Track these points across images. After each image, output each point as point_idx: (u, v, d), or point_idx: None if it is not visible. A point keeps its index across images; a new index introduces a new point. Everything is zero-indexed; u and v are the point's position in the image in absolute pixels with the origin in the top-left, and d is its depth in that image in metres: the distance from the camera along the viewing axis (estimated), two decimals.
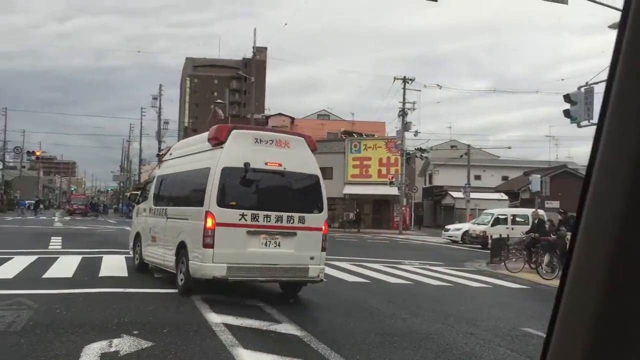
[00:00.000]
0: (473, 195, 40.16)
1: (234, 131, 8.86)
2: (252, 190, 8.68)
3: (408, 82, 39.46)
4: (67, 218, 47.67)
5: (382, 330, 6.65)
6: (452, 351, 5.76)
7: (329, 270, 12.90)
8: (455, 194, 46.79)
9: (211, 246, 8.13)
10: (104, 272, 10.90)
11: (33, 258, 12.87)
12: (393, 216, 41.85)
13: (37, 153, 59.06)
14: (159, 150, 64.93)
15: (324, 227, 9.03)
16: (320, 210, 9.19)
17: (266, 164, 8.68)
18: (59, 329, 5.92)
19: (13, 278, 9.71)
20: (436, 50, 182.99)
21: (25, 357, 4.82)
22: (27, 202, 63.51)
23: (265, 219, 8.46)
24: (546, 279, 12.70)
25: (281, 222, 8.59)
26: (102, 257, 13.59)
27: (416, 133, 39.82)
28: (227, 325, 6.27)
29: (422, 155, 43.69)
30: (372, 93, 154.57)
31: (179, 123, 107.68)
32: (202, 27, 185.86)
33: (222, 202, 8.31)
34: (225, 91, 77.60)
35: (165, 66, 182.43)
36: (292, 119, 56.24)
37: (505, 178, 53.50)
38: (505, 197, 43.35)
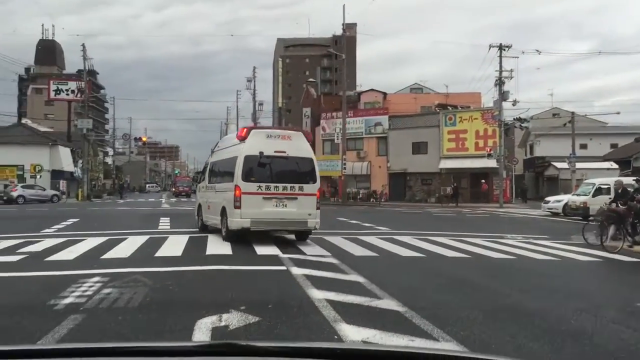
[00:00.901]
0: (579, 165, 38.16)
1: (253, 131, 13.66)
2: (266, 169, 13.18)
3: (504, 50, 37.84)
4: (174, 199, 50.17)
5: (486, 306, 6.51)
6: (560, 328, 5.54)
7: (428, 246, 12.80)
8: (559, 165, 44.66)
9: (239, 207, 12.80)
10: (209, 250, 11.41)
11: (145, 238, 13.70)
12: (492, 189, 40.62)
13: (144, 139, 62.36)
14: None
15: (317, 194, 13.51)
16: (314, 181, 13.54)
17: (275, 151, 13.18)
18: (172, 304, 6.28)
19: (129, 257, 10.38)
20: (534, 15, 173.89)
21: (145, 331, 5.16)
22: (126, 185, 70.38)
23: (275, 188, 13.08)
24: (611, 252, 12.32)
25: (286, 190, 13.18)
26: (207, 236, 14.21)
27: (515, 102, 38.26)
28: (329, 301, 6.39)
29: (522, 125, 41.89)
30: (466, 63, 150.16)
31: (273, 104, 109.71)
32: (290, 7, 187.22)
33: (245, 178, 12.94)
34: (317, 70, 78.16)
35: (257, 48, 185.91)
36: (385, 94, 55.64)
37: (614, 146, 50.35)
38: (615, 165, 40.84)
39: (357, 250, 11.86)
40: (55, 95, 62.90)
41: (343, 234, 15.60)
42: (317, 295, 6.78)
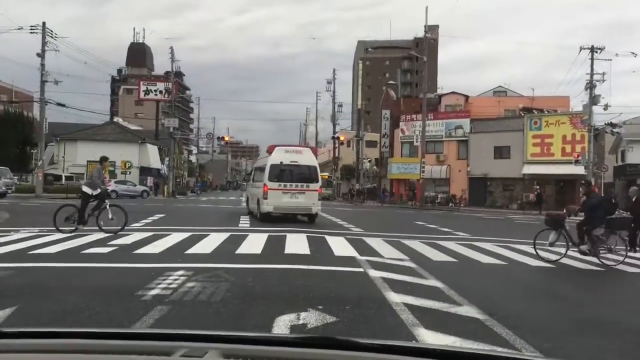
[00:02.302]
0: None
1: (276, 147, 20.18)
2: (284, 173, 19.64)
3: (596, 52, 36.14)
4: None
5: (571, 317, 6.25)
6: None
7: (510, 253, 12.44)
8: None
9: (267, 199, 19.34)
10: (288, 249, 11.58)
11: (226, 235, 14.09)
12: (579, 197, 38.86)
13: (226, 138, 63.84)
14: (334, 133, 67.22)
15: (319, 190, 20.06)
16: (317, 181, 19.87)
17: (290, 161, 19.71)
18: (252, 300, 6.44)
19: (211, 253, 10.72)
20: (629, 15, 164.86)
21: (227, 324, 5.32)
22: (202, 184, 74.28)
23: (290, 185, 19.51)
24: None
25: (298, 187, 19.58)
26: (285, 235, 14.45)
27: (606, 107, 36.45)
28: (407, 305, 6.33)
29: (613, 130, 39.88)
30: (553, 66, 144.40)
31: (352, 105, 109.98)
32: (371, 9, 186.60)
33: (270, 179, 19.45)
34: (397, 72, 77.72)
35: (336, 50, 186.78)
36: (466, 97, 54.53)
37: None
38: None
39: (436, 255, 11.70)
40: (144, 96, 66.05)
41: (421, 238, 15.44)
42: (395, 298, 6.74)
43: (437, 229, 19.55)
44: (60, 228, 13.53)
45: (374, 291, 7.26)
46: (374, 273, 8.69)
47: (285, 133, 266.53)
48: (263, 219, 19.44)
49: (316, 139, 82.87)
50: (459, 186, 47.06)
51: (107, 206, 14.15)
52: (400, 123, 53.85)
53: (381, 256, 11.05)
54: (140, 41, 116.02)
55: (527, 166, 43.05)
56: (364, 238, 14.68)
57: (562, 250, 11.95)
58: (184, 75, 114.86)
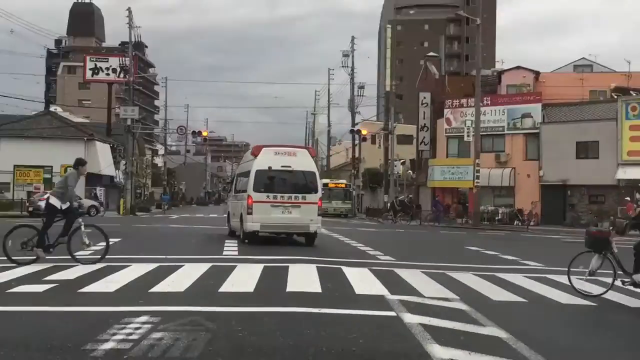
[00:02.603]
0: None
1: (264, 149, 21.78)
2: (274, 181, 21.30)
3: None
4: None
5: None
6: None
7: (601, 291, 12.36)
8: None
9: (251, 214, 20.76)
10: (291, 285, 11.60)
11: (206, 266, 14.12)
12: (630, 205, 38.63)
13: (204, 134, 63.89)
14: (353, 124, 67.35)
15: (318, 202, 21.24)
16: (316, 191, 21.33)
17: (281, 166, 21.16)
18: (243, 357, 6.43)
19: (185, 291, 10.74)
20: None
21: None
22: (168, 197, 77.15)
23: (281, 197, 20.99)
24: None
25: (291, 199, 21.02)
26: (287, 266, 14.47)
27: None
28: None
29: None
30: None
31: (377, 88, 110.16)
32: None
33: (256, 189, 20.95)
34: (440, 40, 77.76)
35: (356, 11, 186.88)
36: (536, 73, 54.47)
37: None
38: None
39: (495, 293, 11.67)
40: (92, 76, 66.48)
41: (474, 270, 15.39)
42: (441, 353, 6.72)
43: (497, 257, 19.48)
44: (14, 258, 13.70)
45: (412, 344, 7.24)
46: (410, 318, 8.67)
47: (285, 126, 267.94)
48: (247, 240, 21.22)
49: (328, 135, 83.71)
50: (527, 197, 46.95)
51: (82, 227, 14.38)
52: (445, 111, 53.90)
53: (420, 294, 11.03)
54: (87, 0, 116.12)
55: (622, 169, 42.85)
56: (396, 269, 14.68)
57: (608, 281, 12.03)
58: (147, 47, 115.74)
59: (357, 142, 66.99)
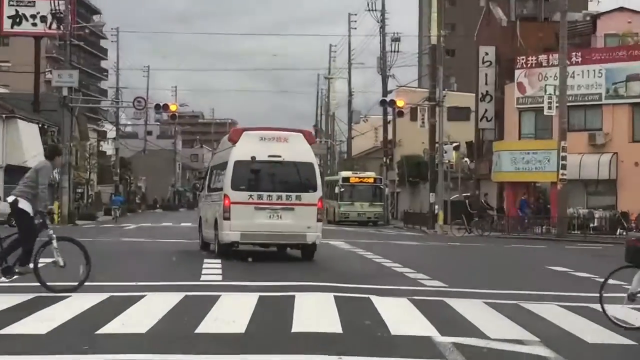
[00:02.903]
0: None
1: (245, 132, 23.21)
2: (258, 176, 22.45)
3: None
4: None
5: None
6: None
7: None
8: None
9: (229, 219, 21.81)
10: (299, 323, 11.57)
11: (177, 297, 14.15)
12: None
13: (172, 108, 62.47)
14: (385, 92, 67.10)
15: (318, 204, 22.43)
16: (315, 189, 22.64)
17: (269, 156, 22.15)
18: None
19: (147, 333, 10.75)
20: None
21: None
22: (120, 198, 76.08)
23: (268, 197, 22.18)
24: None
25: (281, 200, 22.22)
26: (293, 295, 14.46)
27: None
28: None
29: None
30: None
31: (419, 39, 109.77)
32: None
33: (235, 186, 22.04)
34: None
35: None
36: None
37: None
38: None
39: (591, 332, 11.64)
40: (12, 27, 66.44)
41: (559, 298, 15.41)
42: None
43: (591, 281, 19.40)
44: None
45: None
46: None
47: (287, 96, 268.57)
48: (224, 254, 22.76)
49: (349, 108, 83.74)
50: (635, 194, 46.65)
51: (53, 241, 14.59)
52: (517, 73, 53.67)
53: (483, 335, 11.02)
54: None
55: None
56: (448, 299, 14.69)
57: None
58: None
59: (390, 118, 66.86)
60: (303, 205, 22.29)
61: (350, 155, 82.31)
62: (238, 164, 22.19)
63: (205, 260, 21.92)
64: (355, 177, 63.91)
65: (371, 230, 51.85)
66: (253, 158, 22.15)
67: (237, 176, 22.15)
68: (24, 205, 14.44)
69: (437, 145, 61.11)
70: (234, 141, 22.96)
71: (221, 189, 22.80)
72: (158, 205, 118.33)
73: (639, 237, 13.94)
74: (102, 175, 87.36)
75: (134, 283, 16.44)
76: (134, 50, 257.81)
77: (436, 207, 56.01)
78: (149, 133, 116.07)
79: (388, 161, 67.99)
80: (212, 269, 19.64)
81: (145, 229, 44.04)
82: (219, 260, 21.74)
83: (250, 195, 22.10)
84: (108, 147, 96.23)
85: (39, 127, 60.56)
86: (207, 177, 27.51)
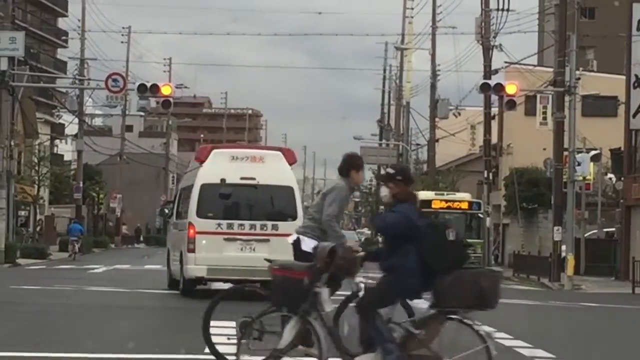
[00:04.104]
0: None
1: (214, 151, 29.08)
2: (228, 202, 28.13)
3: None
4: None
5: None
6: None
7: None
8: None
9: (193, 251, 27.22)
10: None
11: None
12: None
13: (165, 90, 62.14)
14: (487, 72, 66.79)
15: None
16: (294, 218, 26.39)
17: (241, 178, 27.18)
18: None
19: None
20: None
21: None
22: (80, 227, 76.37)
23: (240, 227, 27.41)
24: None
25: (255, 230, 27.44)
26: None
27: None
28: None
29: None
30: None
31: None
32: None
33: (201, 213, 27.73)
34: None
35: None
36: None
37: None
38: None
39: None
40: None
41: None
42: None
43: None
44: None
45: None
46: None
47: (335, 76, 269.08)
48: (188, 292, 27.79)
49: (432, 94, 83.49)
50: None
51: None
52: None
53: None
54: None
55: None
56: None
57: None
58: None
59: (495, 110, 66.77)
60: (280, 236, 24.06)
61: (432, 167, 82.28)
62: (205, 187, 26.65)
63: (213, 324, 21.85)
64: (441, 199, 63.53)
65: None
66: (223, 180, 26.41)
67: (204, 202, 26.65)
68: (308, 245, 15.54)
69: (565, 153, 60.97)
70: (201, 160, 27.68)
71: (186, 217, 27.28)
72: (141, 238, 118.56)
73: None
74: (58, 191, 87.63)
75: (105, 355, 16.44)
76: (109, 3, 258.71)
77: (563, 247, 55.77)
78: (129, 129, 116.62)
79: (491, 177, 67.86)
80: (224, 335, 19.59)
81: (120, 274, 44.26)
82: (232, 325, 21.65)
83: (219, 224, 26.53)
84: (67, 149, 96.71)
85: None
86: (176, 201, 33.03)
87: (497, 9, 66.76)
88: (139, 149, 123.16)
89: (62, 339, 18.62)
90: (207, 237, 25.32)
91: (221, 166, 25.89)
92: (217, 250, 25.41)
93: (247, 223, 25.55)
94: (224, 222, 25.43)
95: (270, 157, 26.94)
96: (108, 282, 38.64)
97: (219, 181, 25.60)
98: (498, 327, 24.76)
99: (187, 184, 30.42)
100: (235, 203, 26.05)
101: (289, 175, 26.76)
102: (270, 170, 26.15)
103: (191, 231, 25.21)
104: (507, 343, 21.57)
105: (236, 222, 25.46)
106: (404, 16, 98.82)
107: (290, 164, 27.42)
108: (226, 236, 25.34)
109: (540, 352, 19.71)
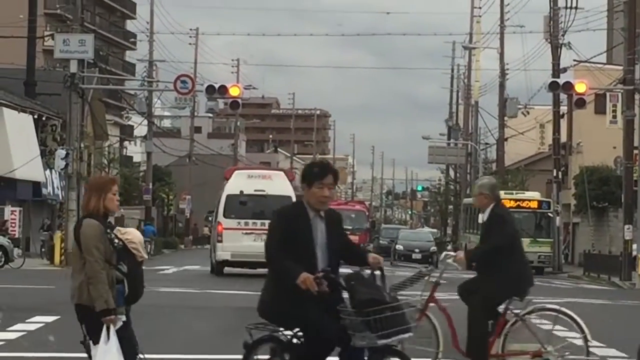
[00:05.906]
0: None
1: (236, 172, 49.14)
2: (246, 207, 45.30)
3: None
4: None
5: None
6: None
7: None
8: None
9: (221, 241, 45.32)
10: None
11: None
12: None
13: (233, 92, 62.05)
14: (556, 71, 66.32)
15: None
16: None
17: (254, 190, 44.68)
18: None
19: None
20: None
21: None
22: (152, 228, 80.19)
23: (254, 224, 43.91)
24: None
25: (264, 226, 33.63)
26: None
27: None
28: None
29: None
30: None
31: None
32: None
33: (226, 215, 45.30)
34: None
35: None
36: None
37: None
38: None
39: None
40: None
41: None
42: None
43: None
44: None
45: None
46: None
47: (403, 76, 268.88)
48: (218, 271, 37.59)
49: (501, 93, 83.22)
50: None
51: None
52: None
53: None
54: None
55: None
56: None
57: None
58: None
59: (564, 109, 66.35)
60: None
61: (502, 166, 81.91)
62: (229, 197, 35.48)
63: None
64: (510, 199, 62.96)
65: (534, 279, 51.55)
66: (241, 192, 35.11)
67: (229, 207, 35.37)
68: None
69: (636, 151, 60.52)
70: (227, 178, 36.46)
71: (216, 219, 34.86)
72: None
73: None
74: (127, 193, 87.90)
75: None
76: (177, 5, 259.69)
77: (634, 246, 55.32)
78: (198, 130, 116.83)
79: (560, 176, 67.48)
80: None
81: (192, 275, 44.89)
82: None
83: (239, 222, 35.45)
84: (136, 151, 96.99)
85: (33, 118, 61.24)
86: (216, 209, 43.36)
87: (566, 7, 66.53)
88: (208, 150, 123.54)
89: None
90: (230, 232, 34.82)
91: (241, 182, 35.82)
92: (238, 241, 35.46)
93: (258, 221, 34.70)
94: (242, 221, 35.04)
95: (275, 176, 37.22)
96: (180, 283, 40.44)
97: (239, 192, 35.00)
98: (569, 326, 24.64)
99: (218, 196, 42.05)
100: (250, 207, 34.87)
101: (288, 188, 36.44)
102: (275, 185, 36.35)
103: (219, 227, 34.66)
104: (579, 342, 21.42)
105: (251, 221, 35.16)
106: (471, 15, 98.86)
107: (290, 181, 36.51)
108: (244, 231, 35.03)
109: (612, 352, 19.55)
